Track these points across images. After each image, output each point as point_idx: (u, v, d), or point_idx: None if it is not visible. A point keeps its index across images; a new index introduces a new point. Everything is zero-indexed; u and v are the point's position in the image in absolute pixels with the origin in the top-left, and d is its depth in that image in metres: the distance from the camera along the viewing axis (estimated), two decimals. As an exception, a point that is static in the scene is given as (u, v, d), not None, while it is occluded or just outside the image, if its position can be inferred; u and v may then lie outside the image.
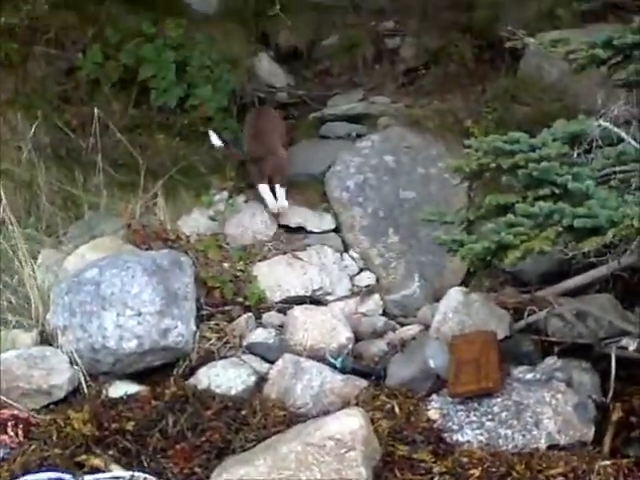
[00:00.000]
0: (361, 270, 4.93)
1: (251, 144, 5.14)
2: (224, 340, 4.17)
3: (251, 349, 4.14)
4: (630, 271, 4.41)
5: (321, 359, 4.07)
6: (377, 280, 4.89)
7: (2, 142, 5.00)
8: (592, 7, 5.18)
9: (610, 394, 3.76)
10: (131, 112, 5.47)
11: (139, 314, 3.92)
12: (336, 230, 5.06)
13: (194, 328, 4.09)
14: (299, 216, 5.06)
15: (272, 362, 4.02)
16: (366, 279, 4.89)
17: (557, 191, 3.40)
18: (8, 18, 5.27)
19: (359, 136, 5.41)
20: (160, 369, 4.02)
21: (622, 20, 5.79)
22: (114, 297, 3.95)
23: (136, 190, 4.85)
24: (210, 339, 4.15)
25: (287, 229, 5.04)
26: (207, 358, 4.07)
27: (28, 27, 5.35)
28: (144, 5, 5.93)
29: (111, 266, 4.04)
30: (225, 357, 4.09)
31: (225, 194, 5.12)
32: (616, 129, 3.77)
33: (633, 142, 3.71)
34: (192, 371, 4.01)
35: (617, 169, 3.61)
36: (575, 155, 3.67)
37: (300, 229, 5.04)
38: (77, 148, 5.18)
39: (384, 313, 4.67)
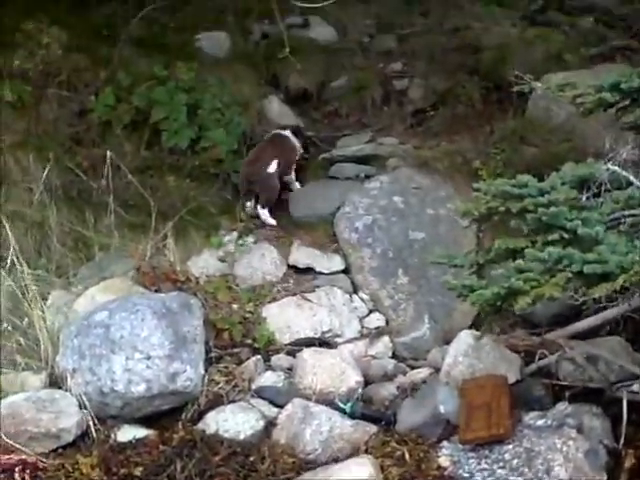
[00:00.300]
0: (370, 312, 4.92)
1: (245, 168, 5.38)
2: (233, 383, 4.15)
3: (260, 393, 4.13)
4: (640, 312, 4.40)
5: (330, 403, 4.05)
6: (387, 322, 4.87)
7: (13, 183, 5.04)
8: (600, 51, 5.21)
9: (622, 440, 3.72)
10: (143, 154, 5.51)
11: (148, 358, 3.92)
12: (345, 271, 5.06)
13: (203, 371, 4.07)
14: (308, 257, 5.07)
15: (281, 406, 4.00)
16: (375, 321, 4.88)
17: (566, 236, 3.39)
18: (23, 63, 5.33)
19: (368, 177, 5.44)
20: (168, 413, 4.01)
21: (629, 60, 5.84)
22: (123, 340, 3.94)
23: (147, 231, 4.87)
24: (219, 382, 4.13)
25: (296, 270, 5.05)
26: (216, 402, 4.05)
27: (42, 71, 5.41)
28: (156, 48, 6.02)
29: (120, 309, 4.04)
30: (234, 401, 4.06)
31: (235, 235, 5.14)
32: (625, 173, 3.77)
33: (642, 186, 3.71)
34: (200, 415, 4.00)
35: (626, 213, 3.61)
36: (584, 199, 3.68)
37: (309, 270, 5.04)
38: (88, 189, 5.21)
39: (394, 356, 4.66)
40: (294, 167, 5.54)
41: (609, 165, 3.81)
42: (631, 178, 3.77)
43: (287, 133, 5.57)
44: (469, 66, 6.20)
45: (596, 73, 5.36)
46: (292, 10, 6.46)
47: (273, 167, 5.32)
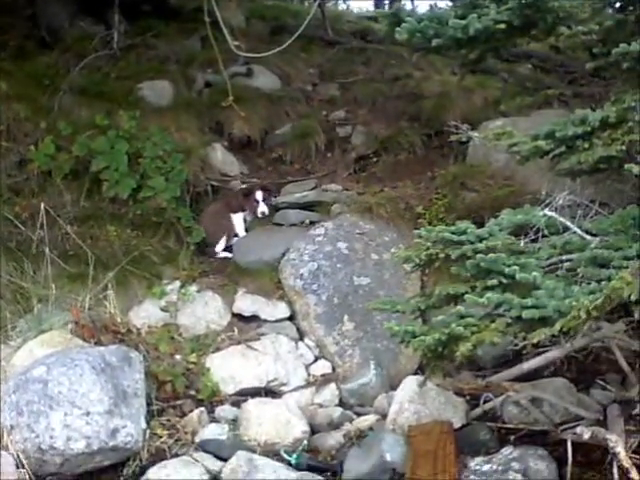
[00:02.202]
0: (316, 359, 4.90)
1: None
2: (176, 437, 4.08)
3: (204, 446, 4.05)
4: (584, 352, 4.46)
5: (276, 455, 4.00)
6: (333, 369, 4.86)
7: (-49, 235, 4.93)
8: (536, 100, 5.35)
9: (568, 481, 3.72)
10: (83, 203, 5.44)
11: (87, 414, 3.83)
12: (291, 318, 5.05)
13: (144, 426, 3.99)
14: (253, 304, 5.04)
15: (225, 460, 3.92)
16: (322, 368, 4.85)
17: (505, 281, 3.42)
18: (-40, 114, 5.27)
19: (312, 223, 5.46)
20: (110, 469, 3.92)
21: (567, 105, 5.99)
22: (62, 396, 3.85)
23: (86, 282, 4.78)
24: (161, 436, 4.06)
25: (241, 318, 5.02)
26: (158, 456, 3.97)
27: (-21, 120, 5.34)
28: (97, 97, 5.98)
29: (59, 364, 3.95)
30: (177, 455, 3.99)
31: (178, 284, 5.09)
32: (561, 218, 3.84)
33: (579, 231, 3.79)
34: (143, 470, 3.91)
35: (564, 258, 3.67)
36: (522, 244, 3.73)
37: (254, 318, 5.01)
38: (27, 240, 5.11)
39: (340, 403, 4.62)
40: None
41: (546, 211, 3.88)
42: (568, 223, 3.85)
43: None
44: (410, 113, 6.31)
45: (533, 119, 5.50)
46: (236, 59, 6.52)
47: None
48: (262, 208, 5.61)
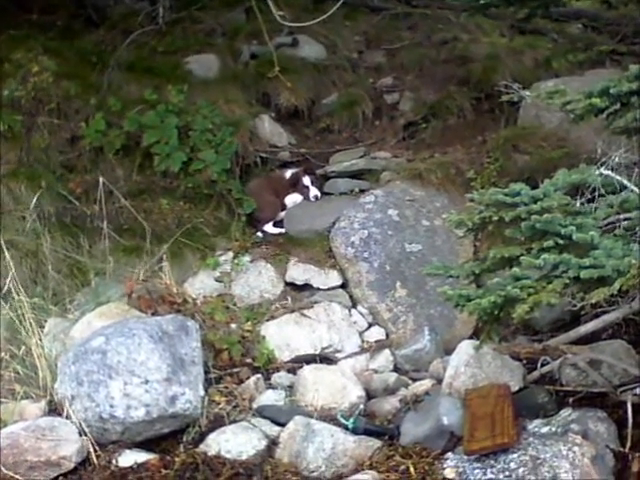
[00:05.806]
0: (370, 325, 4.93)
1: None
2: (233, 404, 4.11)
3: (261, 412, 4.08)
4: (642, 315, 4.38)
5: (333, 419, 4.02)
6: (387, 335, 4.88)
7: (6, 213, 5.03)
8: (588, 57, 5.22)
9: (628, 443, 3.67)
10: (135, 178, 5.52)
11: (146, 382, 3.87)
12: (343, 286, 5.08)
13: (202, 393, 4.03)
14: (305, 273, 5.08)
15: (283, 425, 3.95)
16: (375, 334, 4.88)
17: (561, 242, 3.36)
18: (13, 92, 5.33)
19: (362, 191, 5.46)
20: (170, 436, 3.96)
21: (619, 64, 5.85)
22: (121, 365, 3.90)
23: (142, 255, 4.86)
24: (219, 403, 4.09)
25: (294, 287, 5.06)
26: (217, 423, 4.00)
27: (32, 99, 5.41)
28: (145, 73, 6.05)
29: (117, 334, 4.00)
30: (235, 421, 4.01)
31: (230, 254, 5.15)
32: (618, 177, 3.76)
33: (635, 189, 3.70)
34: (202, 437, 3.94)
35: (621, 217, 3.59)
36: (578, 204, 3.66)
37: (307, 286, 5.05)
38: (82, 215, 5.21)
39: (395, 369, 4.63)
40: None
41: (602, 170, 3.79)
42: (625, 182, 3.76)
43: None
44: (459, 77, 6.24)
45: (586, 79, 5.38)
46: (280, 30, 6.51)
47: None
48: (314, 192, 5.57)
